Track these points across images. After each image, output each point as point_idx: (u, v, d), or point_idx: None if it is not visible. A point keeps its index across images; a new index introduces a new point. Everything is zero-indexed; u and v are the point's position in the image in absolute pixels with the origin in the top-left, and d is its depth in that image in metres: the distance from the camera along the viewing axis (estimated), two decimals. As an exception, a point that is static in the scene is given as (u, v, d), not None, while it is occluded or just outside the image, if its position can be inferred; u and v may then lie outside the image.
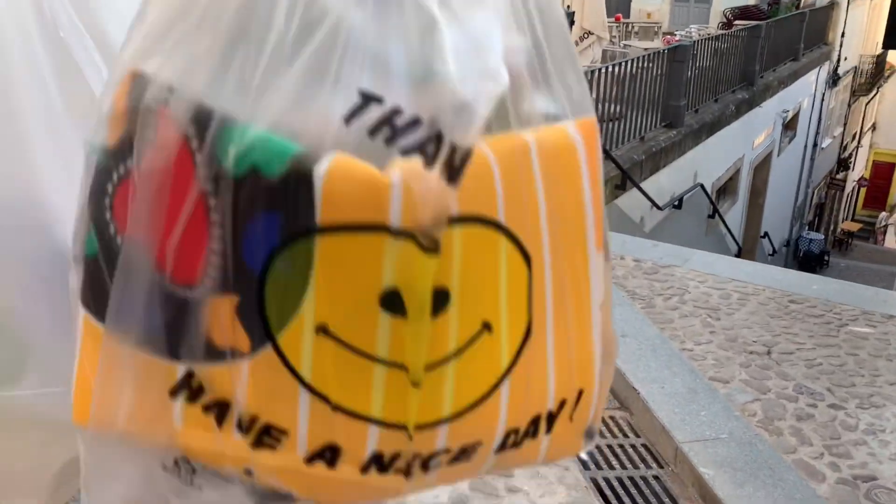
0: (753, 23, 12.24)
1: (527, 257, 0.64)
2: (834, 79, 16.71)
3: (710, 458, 2.79)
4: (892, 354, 3.57)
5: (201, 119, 0.54)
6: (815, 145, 16.56)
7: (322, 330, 0.60)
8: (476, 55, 0.56)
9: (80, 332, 0.68)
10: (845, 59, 17.16)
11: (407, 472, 0.66)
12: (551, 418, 0.70)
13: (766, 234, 13.99)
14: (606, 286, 0.71)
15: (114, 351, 0.64)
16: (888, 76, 22.60)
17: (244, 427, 0.63)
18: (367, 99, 0.55)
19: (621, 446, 3.05)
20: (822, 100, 16.25)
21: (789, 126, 14.37)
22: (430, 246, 0.56)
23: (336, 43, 0.54)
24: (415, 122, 0.55)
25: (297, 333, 0.60)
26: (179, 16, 0.56)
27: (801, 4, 15.17)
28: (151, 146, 0.57)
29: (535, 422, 0.69)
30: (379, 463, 0.65)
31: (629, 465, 2.92)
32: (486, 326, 0.63)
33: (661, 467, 2.90)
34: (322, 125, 0.54)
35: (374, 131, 0.55)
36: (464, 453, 0.67)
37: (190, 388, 0.64)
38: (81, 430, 0.70)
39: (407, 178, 0.54)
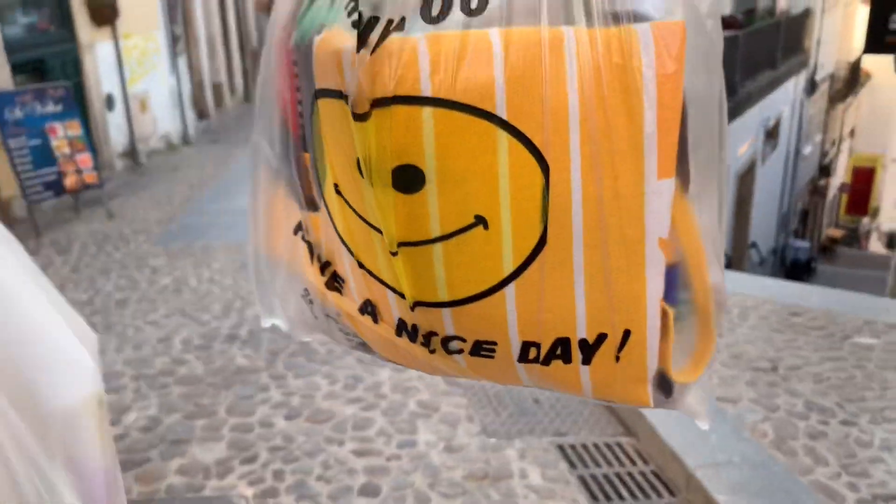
0: (730, 32, 12.28)
1: (543, 162, 0.60)
2: (811, 86, 16.81)
3: (724, 483, 2.67)
4: (899, 365, 3.48)
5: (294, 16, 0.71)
6: (797, 153, 16.62)
7: (336, 189, 0.68)
8: None
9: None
10: (822, 66, 17.29)
11: (429, 348, 0.70)
12: (587, 348, 0.66)
13: (754, 243, 13.97)
14: (687, 223, 0.64)
15: (275, 195, 0.80)
16: (864, 82, 22.83)
17: (322, 270, 0.76)
18: None
19: (630, 474, 2.92)
20: (802, 107, 16.33)
21: (771, 134, 14.41)
22: (359, 115, 0.60)
23: None
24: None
25: (330, 190, 0.69)
26: None
27: (776, 13, 15.29)
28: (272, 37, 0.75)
29: (561, 344, 0.66)
30: (406, 330, 0.71)
31: (639, 495, 2.79)
32: (480, 221, 0.62)
33: (673, 495, 2.78)
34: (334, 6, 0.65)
35: (347, 5, 0.62)
36: (482, 348, 0.68)
37: (302, 230, 0.79)
38: (256, 256, 0.87)
39: (351, 50, 0.60)
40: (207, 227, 6.85)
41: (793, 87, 15.29)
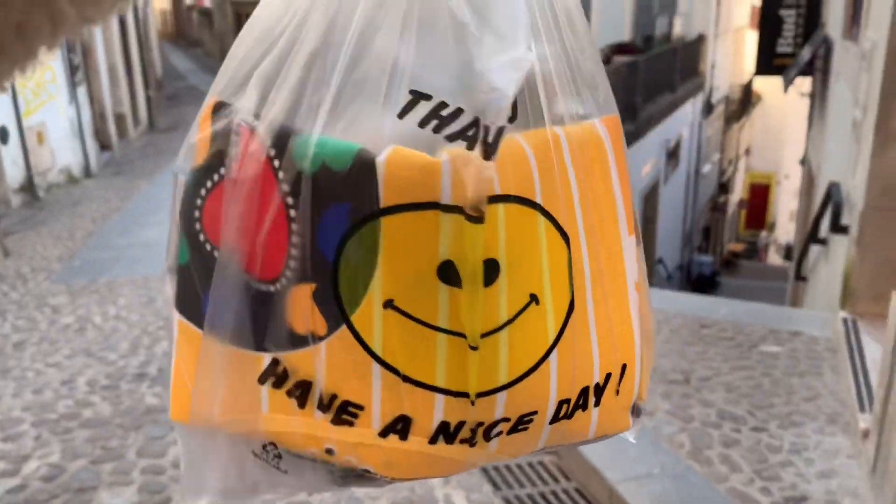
0: (631, 58, 12.76)
1: (565, 237, 0.71)
2: (708, 108, 17.62)
3: (645, 496, 2.71)
4: (803, 371, 3.64)
5: (281, 136, 0.68)
6: (697, 172, 17.34)
7: (389, 305, 0.69)
8: (504, 52, 0.67)
9: (176, 335, 0.77)
10: (717, 88, 18.16)
11: (471, 442, 0.72)
12: (599, 391, 0.75)
13: (660, 259, 14.44)
14: (640, 268, 0.79)
15: (209, 349, 0.73)
16: (755, 103, 24.07)
17: (325, 406, 0.72)
18: (418, 96, 0.67)
19: (553, 493, 2.94)
20: (700, 128, 17.08)
21: (672, 155, 14.99)
22: (476, 217, 0.66)
23: (387, 71, 0.68)
24: (457, 112, 0.67)
25: (368, 310, 0.69)
26: (261, 60, 0.71)
27: (672, 39, 16.00)
28: (238, 162, 0.69)
29: (584, 393, 0.74)
30: (445, 432, 0.72)
31: (564, 513, 2.81)
32: (534, 298, 0.70)
33: (597, 511, 2.81)
34: (378, 124, 0.67)
35: (423, 123, 0.67)
36: (521, 423, 0.73)
37: (276, 375, 0.72)
38: (179, 426, 0.78)
39: (453, 160, 0.65)
40: (112, 261, 6.58)
41: (691, 109, 15.99)
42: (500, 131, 0.67)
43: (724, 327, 4.16)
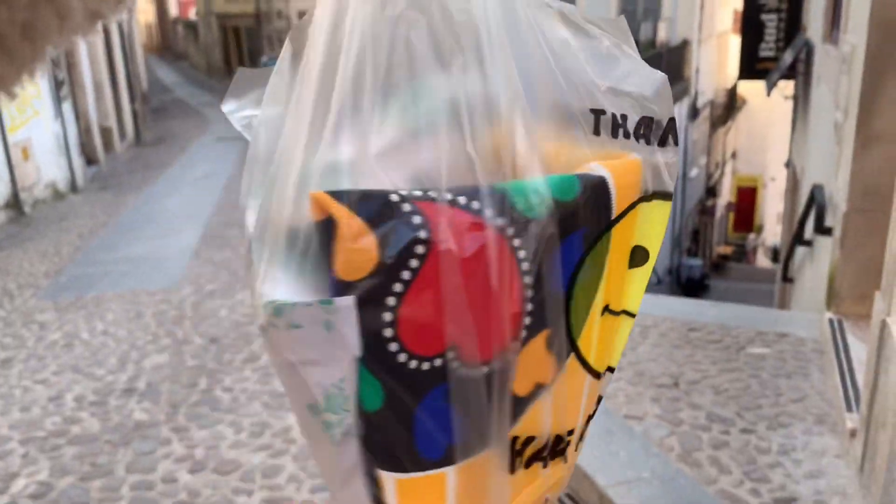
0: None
1: None
2: (694, 112, 17.72)
3: (635, 499, 2.72)
4: (790, 372, 3.66)
5: (495, 193, 0.61)
6: (684, 176, 17.42)
7: (606, 310, 0.70)
8: (639, 69, 0.73)
9: (395, 500, 0.63)
10: (702, 93, 18.28)
11: (594, 416, 0.75)
12: None
13: (649, 263, 14.47)
14: None
15: (482, 474, 0.64)
16: (740, 107, 24.24)
17: (556, 450, 0.68)
18: (598, 113, 0.70)
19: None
20: (686, 132, 17.17)
21: (659, 159, 15.06)
22: (670, 195, 0.73)
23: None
24: (625, 118, 0.70)
25: (590, 327, 0.68)
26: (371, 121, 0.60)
27: (657, 44, 16.10)
28: (457, 242, 0.58)
29: None
30: (591, 416, 0.72)
31: (555, 519, 2.81)
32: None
33: (588, 516, 2.81)
34: (576, 146, 0.69)
35: (614, 133, 0.70)
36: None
37: (519, 454, 0.66)
38: None
39: (647, 156, 0.71)
40: (99, 277, 6.56)
41: (676, 113, 16.03)
42: (672, 123, 0.75)
43: (711, 330, 4.18)
